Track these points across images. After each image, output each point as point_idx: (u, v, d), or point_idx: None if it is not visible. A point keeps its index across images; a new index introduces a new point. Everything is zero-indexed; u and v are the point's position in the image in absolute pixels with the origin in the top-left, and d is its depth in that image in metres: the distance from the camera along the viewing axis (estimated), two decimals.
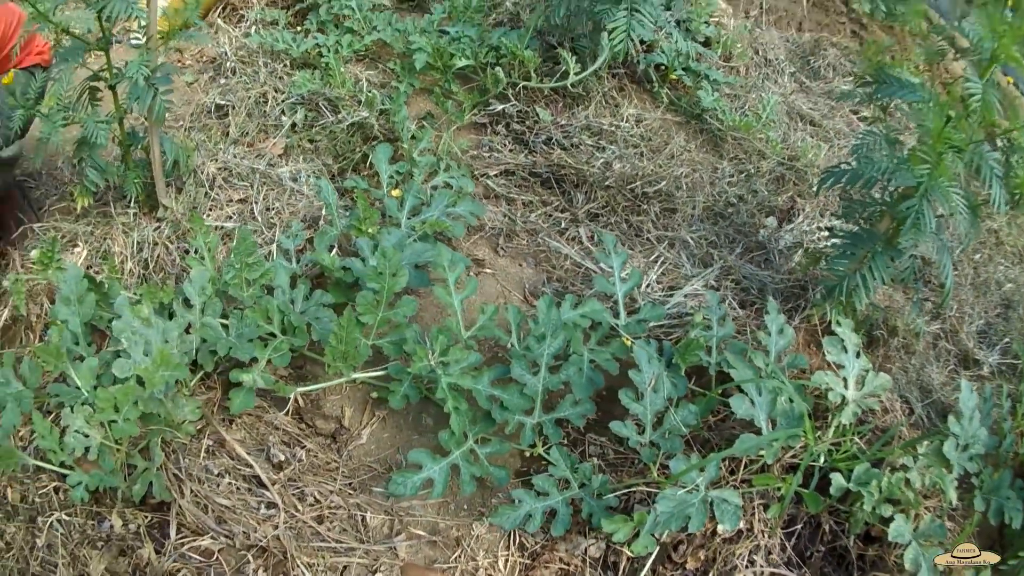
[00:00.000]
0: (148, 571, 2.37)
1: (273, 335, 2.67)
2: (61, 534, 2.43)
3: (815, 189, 3.19)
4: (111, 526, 2.44)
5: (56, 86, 2.70)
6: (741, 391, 2.58)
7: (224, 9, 4.36)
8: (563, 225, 3.44)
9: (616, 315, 2.89)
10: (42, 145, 2.80)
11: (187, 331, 2.66)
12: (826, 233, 3.40)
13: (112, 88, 2.84)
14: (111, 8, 2.54)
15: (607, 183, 3.49)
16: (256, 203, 3.27)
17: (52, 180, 3.49)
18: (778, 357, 2.70)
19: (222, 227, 3.16)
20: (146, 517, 2.47)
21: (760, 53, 4.57)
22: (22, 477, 2.55)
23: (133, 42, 4.02)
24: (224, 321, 2.70)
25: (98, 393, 2.36)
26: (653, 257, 3.30)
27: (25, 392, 2.51)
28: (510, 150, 3.65)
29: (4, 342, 2.84)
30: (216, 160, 3.40)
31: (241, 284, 2.69)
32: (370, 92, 3.63)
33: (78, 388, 2.53)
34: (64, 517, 2.46)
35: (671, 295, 3.10)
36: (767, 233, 3.46)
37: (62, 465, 2.43)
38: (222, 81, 3.88)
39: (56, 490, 2.51)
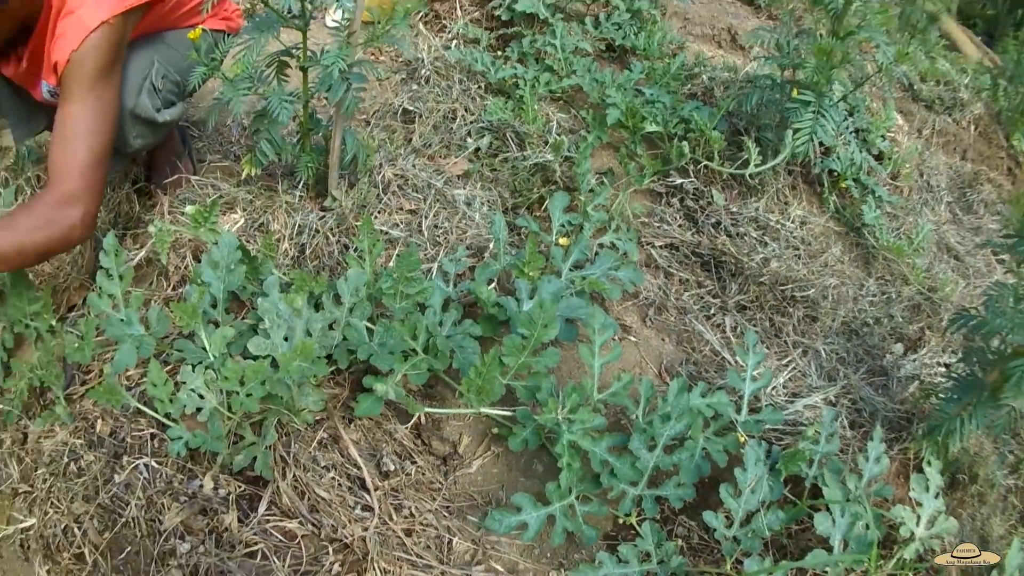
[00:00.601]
0: (225, 536, 2.38)
1: (415, 351, 2.66)
2: (144, 478, 2.45)
3: (945, 326, 3.17)
4: (200, 486, 2.45)
5: (246, 54, 2.68)
6: (827, 509, 2.58)
7: (428, 15, 4.41)
8: (712, 311, 3.38)
9: (738, 410, 2.86)
10: (219, 107, 2.83)
11: (331, 327, 2.67)
12: (943, 370, 3.36)
13: (304, 70, 2.83)
14: None
15: (761, 279, 3.44)
16: (426, 218, 3.27)
17: (217, 136, 3.55)
18: (868, 483, 2.67)
19: (387, 233, 3.17)
20: (239, 487, 2.48)
21: (924, 176, 4.54)
22: (119, 415, 2.58)
23: (330, 23, 4.04)
24: (370, 326, 2.70)
25: (227, 363, 2.38)
26: (785, 360, 3.25)
27: (147, 338, 2.54)
28: (680, 225, 3.61)
29: (134, 281, 2.86)
30: (395, 165, 3.41)
31: (396, 295, 2.68)
32: (559, 136, 3.61)
33: (204, 350, 2.55)
34: (153, 464, 2.48)
35: (792, 401, 3.06)
36: (892, 360, 3.39)
37: (167, 416, 2.46)
38: (414, 87, 3.91)
39: (152, 437, 2.54)
